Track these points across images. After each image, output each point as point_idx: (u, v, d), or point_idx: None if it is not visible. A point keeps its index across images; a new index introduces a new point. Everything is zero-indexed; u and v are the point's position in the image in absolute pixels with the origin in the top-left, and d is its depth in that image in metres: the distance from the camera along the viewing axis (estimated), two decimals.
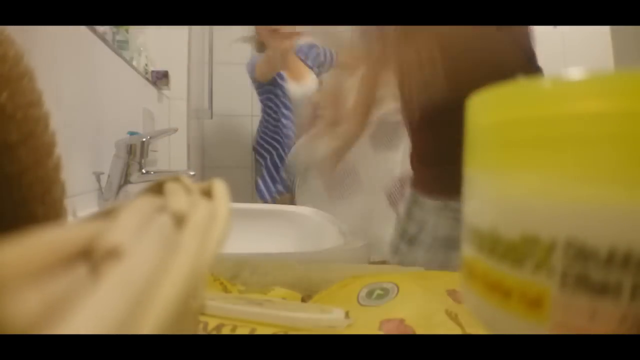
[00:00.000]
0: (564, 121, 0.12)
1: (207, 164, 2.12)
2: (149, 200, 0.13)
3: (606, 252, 0.11)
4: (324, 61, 1.79)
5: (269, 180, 1.78)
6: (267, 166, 1.80)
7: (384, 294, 0.29)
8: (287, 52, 1.70)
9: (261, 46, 1.74)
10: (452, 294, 0.29)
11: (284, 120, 1.70)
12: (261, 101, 1.75)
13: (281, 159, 1.75)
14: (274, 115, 1.71)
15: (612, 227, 0.11)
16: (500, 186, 0.14)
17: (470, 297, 0.15)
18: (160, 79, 1.35)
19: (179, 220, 0.11)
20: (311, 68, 1.76)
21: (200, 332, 0.24)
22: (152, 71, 1.33)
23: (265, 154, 1.81)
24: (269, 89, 1.68)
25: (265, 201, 1.74)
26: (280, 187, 1.75)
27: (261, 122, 1.79)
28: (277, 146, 1.76)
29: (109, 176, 0.83)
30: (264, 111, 1.76)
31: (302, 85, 1.74)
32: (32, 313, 0.07)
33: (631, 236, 0.11)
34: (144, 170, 0.84)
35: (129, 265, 0.08)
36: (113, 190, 0.82)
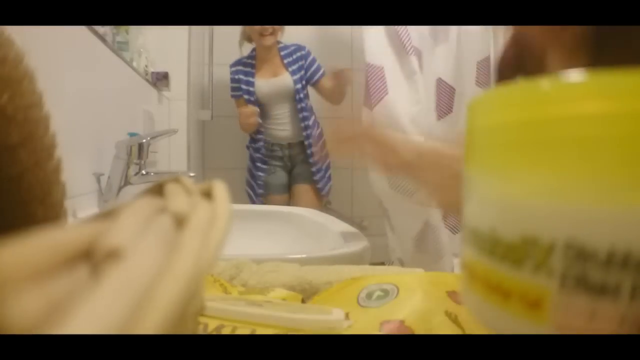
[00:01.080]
0: (564, 122, 0.12)
1: (207, 165, 2.12)
2: (149, 201, 0.13)
3: (605, 253, 0.11)
4: (304, 65, 1.86)
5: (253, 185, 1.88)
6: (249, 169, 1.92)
7: (384, 295, 0.29)
8: (270, 49, 1.79)
9: (248, 39, 1.84)
10: (452, 295, 0.29)
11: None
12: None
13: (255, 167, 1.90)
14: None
15: (611, 228, 0.11)
16: (499, 187, 0.14)
17: (470, 298, 0.15)
18: (160, 80, 1.35)
19: (180, 221, 0.11)
20: (287, 67, 1.83)
21: (201, 333, 0.24)
22: (152, 72, 1.33)
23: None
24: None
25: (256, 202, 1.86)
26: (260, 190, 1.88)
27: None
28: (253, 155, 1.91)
29: (109, 177, 0.83)
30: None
31: (269, 81, 1.82)
32: (33, 313, 0.07)
33: (630, 237, 0.11)
34: (144, 172, 0.84)
35: (130, 266, 0.08)
36: (113, 191, 0.82)
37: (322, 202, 1.97)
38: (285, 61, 1.85)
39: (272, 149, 1.90)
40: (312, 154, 1.90)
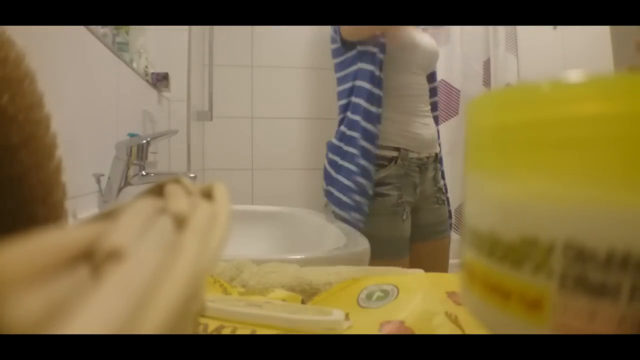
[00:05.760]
0: (563, 124, 0.12)
1: (207, 166, 2.12)
2: (149, 202, 0.13)
3: (605, 254, 0.11)
4: None
5: None
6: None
7: (384, 296, 0.29)
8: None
9: None
10: (452, 296, 0.29)
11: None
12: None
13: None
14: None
15: (610, 228, 0.11)
16: (499, 188, 0.14)
17: (469, 298, 0.15)
18: (160, 80, 1.35)
19: (180, 222, 0.11)
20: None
21: (201, 333, 0.24)
22: (152, 73, 1.33)
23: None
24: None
25: None
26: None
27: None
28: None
29: (109, 178, 0.83)
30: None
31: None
32: (34, 314, 0.07)
33: (630, 237, 0.11)
34: (144, 172, 0.84)
35: (130, 266, 0.09)
36: (113, 192, 0.82)
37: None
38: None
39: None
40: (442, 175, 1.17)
